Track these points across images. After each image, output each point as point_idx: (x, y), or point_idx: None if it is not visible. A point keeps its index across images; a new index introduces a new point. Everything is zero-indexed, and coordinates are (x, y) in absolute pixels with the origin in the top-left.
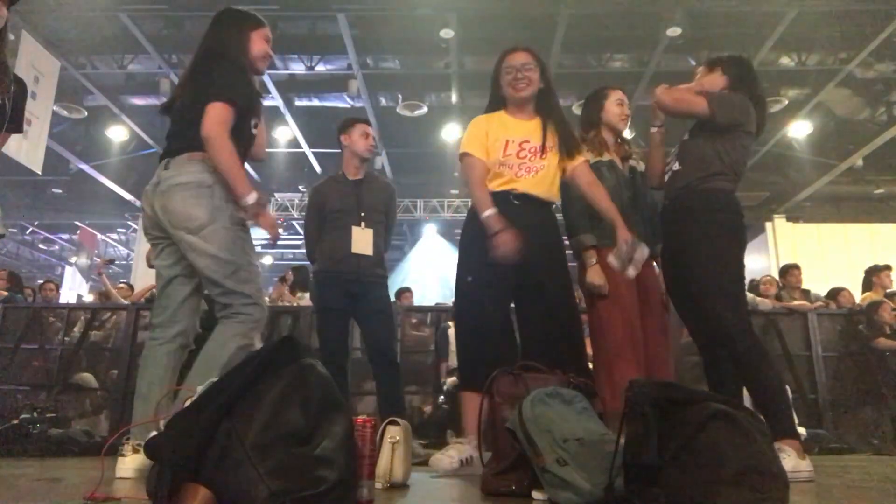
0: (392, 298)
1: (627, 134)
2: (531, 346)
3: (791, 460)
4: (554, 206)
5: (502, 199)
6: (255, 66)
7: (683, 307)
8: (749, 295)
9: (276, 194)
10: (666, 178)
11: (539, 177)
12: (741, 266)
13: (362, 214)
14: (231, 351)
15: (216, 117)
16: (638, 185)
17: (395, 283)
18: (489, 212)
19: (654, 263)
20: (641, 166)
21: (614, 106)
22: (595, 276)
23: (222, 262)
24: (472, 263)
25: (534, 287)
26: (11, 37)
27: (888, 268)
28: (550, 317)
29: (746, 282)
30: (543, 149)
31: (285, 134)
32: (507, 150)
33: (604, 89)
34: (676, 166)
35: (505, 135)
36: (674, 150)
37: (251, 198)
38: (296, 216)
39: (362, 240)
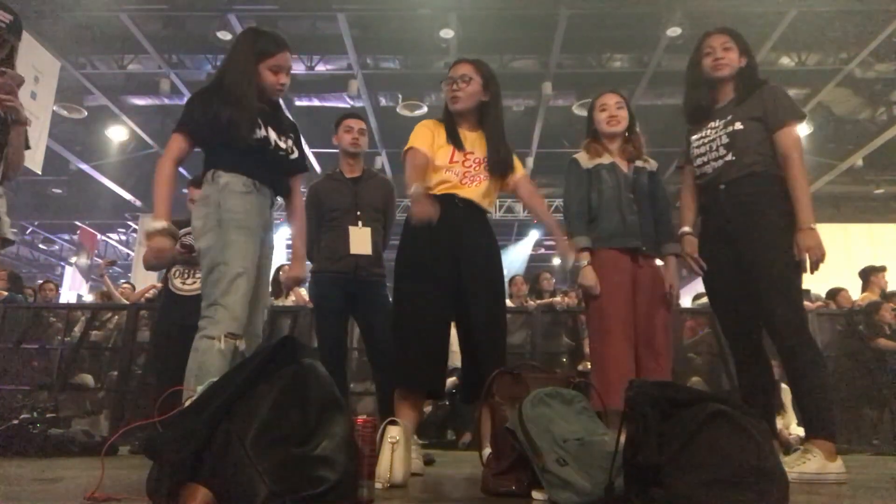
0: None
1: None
2: (472, 347)
3: (816, 462)
4: (489, 215)
5: (447, 201)
6: (267, 96)
7: (725, 300)
8: None
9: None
10: (710, 168)
11: (481, 187)
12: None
13: (359, 213)
14: (197, 354)
15: (168, 145)
16: (643, 184)
17: None
18: (418, 186)
19: (658, 261)
20: (652, 165)
21: (597, 112)
22: (586, 278)
23: (203, 262)
24: (416, 263)
25: (470, 289)
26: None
27: (884, 269)
28: (480, 319)
29: None
30: (487, 162)
31: None
32: (454, 158)
33: (595, 97)
34: (730, 157)
35: (452, 143)
36: (716, 140)
37: (154, 224)
38: None
39: (360, 239)
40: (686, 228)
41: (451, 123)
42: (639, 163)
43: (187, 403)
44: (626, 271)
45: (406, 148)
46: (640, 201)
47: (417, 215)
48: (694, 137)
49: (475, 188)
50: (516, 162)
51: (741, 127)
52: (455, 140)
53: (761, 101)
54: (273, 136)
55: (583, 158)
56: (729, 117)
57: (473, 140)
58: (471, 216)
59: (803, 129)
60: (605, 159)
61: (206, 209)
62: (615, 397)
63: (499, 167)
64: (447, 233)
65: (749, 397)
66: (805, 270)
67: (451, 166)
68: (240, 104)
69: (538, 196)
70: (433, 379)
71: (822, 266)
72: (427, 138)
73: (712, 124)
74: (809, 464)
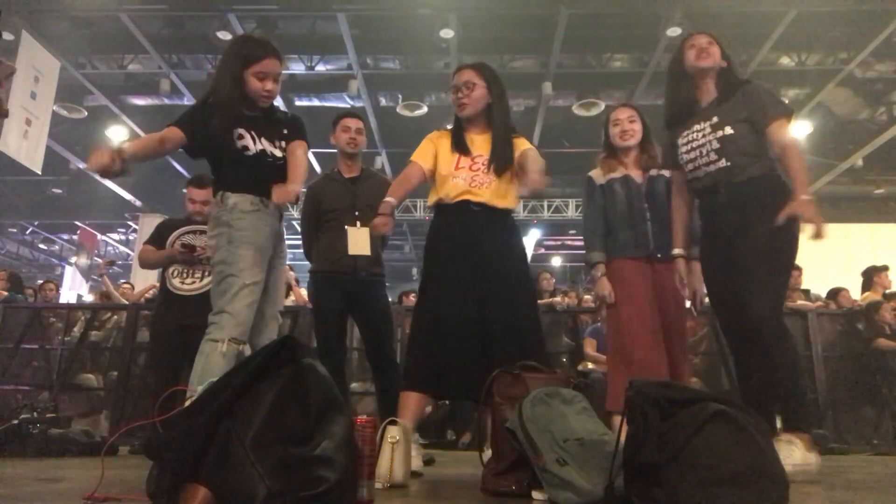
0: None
1: None
2: (496, 350)
3: (800, 453)
4: (513, 213)
5: (461, 209)
6: (253, 104)
7: (722, 298)
8: None
9: None
10: (702, 173)
11: (493, 188)
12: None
13: (357, 213)
14: (210, 356)
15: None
16: (659, 192)
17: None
18: (391, 199)
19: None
20: (668, 172)
21: (610, 127)
22: (601, 288)
23: (214, 274)
24: (436, 268)
25: (496, 292)
26: (11, 36)
27: (886, 268)
28: (513, 321)
29: None
30: (496, 164)
31: None
32: (460, 165)
33: (609, 111)
34: (724, 163)
35: (458, 150)
36: (706, 146)
37: (119, 147)
38: (296, 216)
39: (359, 240)
40: (678, 251)
41: (458, 130)
42: (653, 171)
43: (187, 403)
44: (643, 279)
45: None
46: (657, 209)
47: (372, 227)
48: (681, 141)
49: (487, 190)
50: (520, 142)
51: (731, 131)
52: (461, 147)
53: (745, 101)
54: (268, 147)
55: (597, 175)
56: (714, 119)
57: (482, 143)
58: (489, 220)
59: (803, 129)
60: (619, 173)
61: (218, 229)
62: (616, 402)
63: (498, 166)
64: (465, 240)
65: (748, 395)
66: (802, 237)
67: (457, 173)
68: (222, 108)
69: (533, 152)
70: (445, 385)
71: (821, 266)
72: (428, 153)
73: (697, 126)
74: (795, 454)
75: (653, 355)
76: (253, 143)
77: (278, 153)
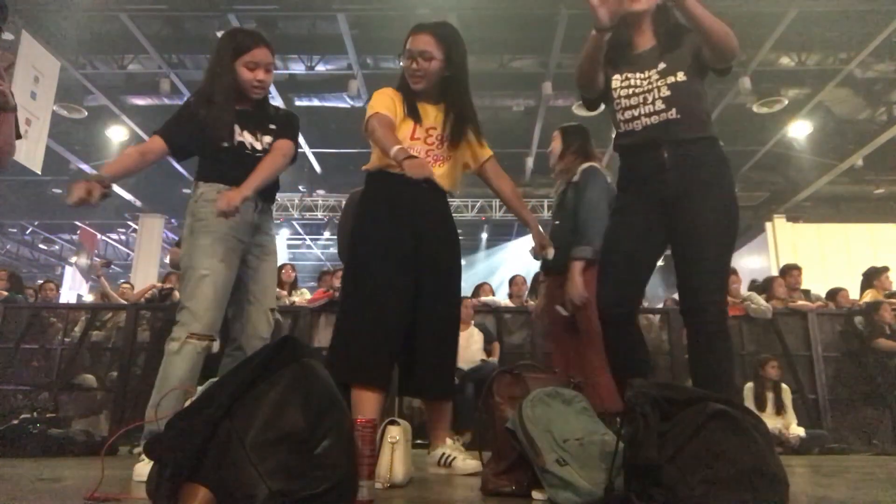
0: None
1: None
2: (415, 349)
3: None
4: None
5: (405, 181)
6: (246, 95)
7: (626, 266)
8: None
9: (277, 194)
10: (640, 125)
11: (446, 168)
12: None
13: None
14: (167, 358)
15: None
16: (566, 201)
17: None
18: (397, 146)
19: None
20: (577, 175)
21: None
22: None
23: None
24: (372, 245)
25: (427, 282)
26: (11, 36)
27: (886, 269)
28: (433, 315)
29: (747, 282)
30: (450, 139)
31: None
32: (415, 135)
33: None
34: (673, 115)
35: (412, 117)
36: (652, 92)
37: (104, 174)
38: (295, 216)
39: None
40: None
41: (410, 95)
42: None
43: (187, 404)
44: (550, 292)
45: (369, 115)
46: (563, 219)
47: (416, 174)
48: (618, 83)
49: (438, 169)
50: (482, 143)
51: (684, 78)
52: (414, 115)
53: (691, 45)
54: (248, 139)
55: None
56: (662, 66)
57: (435, 114)
58: (432, 199)
59: (804, 129)
60: (559, 186)
61: (186, 221)
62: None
63: (454, 137)
64: (408, 215)
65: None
66: None
67: (412, 144)
68: (211, 102)
69: (505, 177)
70: (387, 372)
71: (821, 266)
72: (389, 106)
73: (640, 74)
74: None
75: (558, 362)
76: (233, 135)
77: (258, 146)
